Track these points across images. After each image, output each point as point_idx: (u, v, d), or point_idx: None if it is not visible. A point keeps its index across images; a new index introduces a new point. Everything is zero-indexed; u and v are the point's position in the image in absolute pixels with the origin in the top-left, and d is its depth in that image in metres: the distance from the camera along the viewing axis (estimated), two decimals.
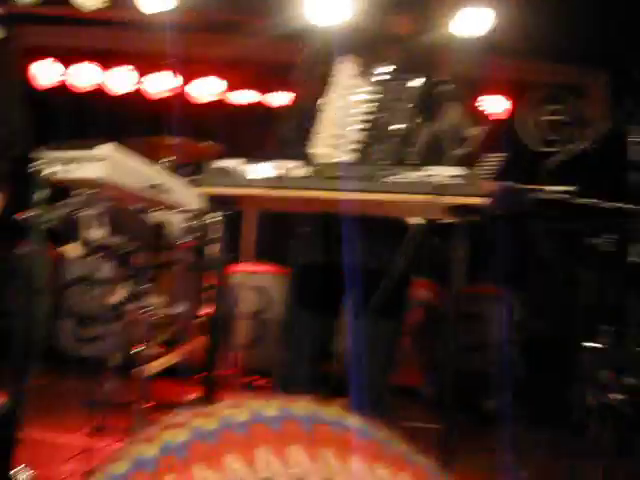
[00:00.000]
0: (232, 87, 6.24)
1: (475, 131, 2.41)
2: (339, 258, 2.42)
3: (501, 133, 2.46)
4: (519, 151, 5.45)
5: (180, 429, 0.40)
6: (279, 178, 1.85)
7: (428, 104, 2.39)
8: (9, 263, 5.50)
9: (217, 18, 5.64)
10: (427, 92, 2.39)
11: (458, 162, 2.37)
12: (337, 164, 1.95)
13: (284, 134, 2.48)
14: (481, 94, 5.42)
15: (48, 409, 3.80)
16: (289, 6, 5.09)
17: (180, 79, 5.90)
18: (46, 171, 2.17)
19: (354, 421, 0.41)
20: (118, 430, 3.27)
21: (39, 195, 2.22)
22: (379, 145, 2.35)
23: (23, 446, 2.34)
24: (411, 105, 2.37)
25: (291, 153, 2.30)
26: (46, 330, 5.45)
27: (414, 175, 1.85)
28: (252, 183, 1.87)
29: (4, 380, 3.05)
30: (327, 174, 1.90)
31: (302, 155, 2.25)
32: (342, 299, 2.56)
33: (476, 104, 2.46)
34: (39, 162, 2.20)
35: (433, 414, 4.75)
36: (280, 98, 6.17)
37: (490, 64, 4.88)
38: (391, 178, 1.86)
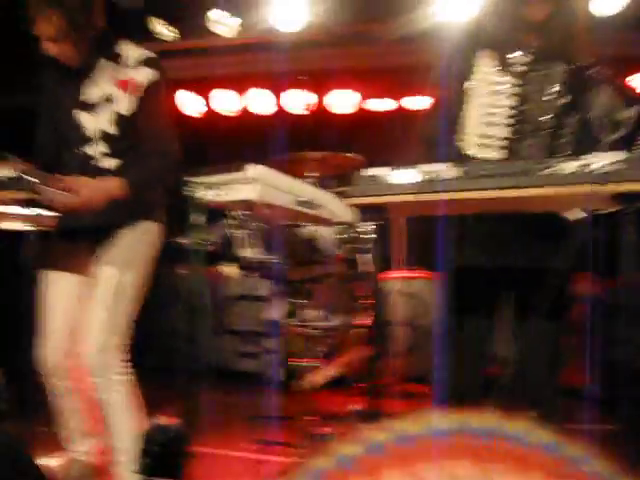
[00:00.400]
0: (369, 96, 6.26)
1: (628, 113, 2.28)
2: (496, 259, 2.35)
3: None
4: None
5: (352, 444, 0.40)
6: (429, 182, 1.82)
7: (574, 91, 2.29)
8: (172, 285, 5.78)
9: (347, 30, 5.67)
10: (572, 78, 2.29)
11: (613, 148, 2.25)
12: (488, 162, 1.88)
13: (429, 135, 2.44)
14: (630, 73, 5.14)
15: (214, 424, 3.93)
16: (416, 6, 5.04)
17: (317, 94, 6.00)
18: (201, 195, 2.25)
19: (541, 436, 0.38)
20: (283, 443, 3.34)
21: (195, 219, 2.31)
22: (528, 140, 2.27)
23: (193, 461, 2.43)
24: (556, 94, 2.28)
25: (437, 154, 2.27)
26: (208, 347, 5.67)
27: (572, 165, 1.76)
28: (402, 189, 1.84)
29: (174, 398, 3.19)
30: (479, 173, 1.84)
31: (449, 156, 2.21)
32: (501, 301, 2.48)
33: (627, 83, 2.32)
34: (194, 187, 2.28)
35: (602, 414, 4.53)
36: (417, 102, 6.12)
37: (629, 41, 4.63)
38: (547, 171, 1.78)
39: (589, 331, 5.03)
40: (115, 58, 2.83)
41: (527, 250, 2.36)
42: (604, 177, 1.76)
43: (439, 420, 0.35)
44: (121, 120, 2.81)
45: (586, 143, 2.23)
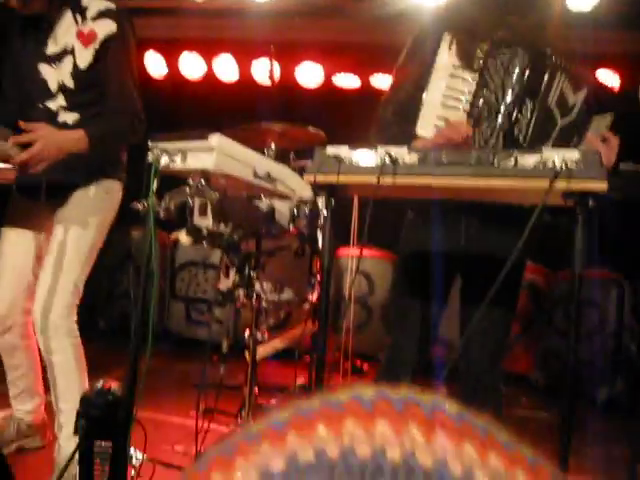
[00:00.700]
0: (337, 71, 6.22)
1: (580, 95, 2.30)
2: (450, 243, 2.38)
3: (622, 107, 2.33)
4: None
5: (285, 409, 0.41)
6: (390, 165, 1.82)
7: (533, 77, 2.30)
8: (126, 248, 5.73)
9: (320, 2, 5.62)
10: (532, 64, 2.29)
11: (565, 132, 2.28)
12: (449, 150, 1.89)
13: (385, 117, 2.44)
14: (594, 69, 5.20)
15: (158, 390, 3.93)
16: None
17: (283, 65, 5.93)
18: (159, 160, 2.22)
19: (452, 406, 0.40)
20: (227, 412, 3.35)
21: (151, 184, 2.28)
22: (485, 124, 2.28)
23: (136, 427, 2.43)
24: (515, 79, 2.29)
25: (391, 136, 2.27)
26: (157, 312, 5.65)
27: (532, 159, 1.78)
28: (363, 171, 1.84)
29: (120, 362, 3.18)
30: (436, 160, 1.85)
31: (402, 139, 2.21)
32: (451, 284, 2.52)
33: (581, 69, 2.34)
34: (151, 152, 2.26)
35: (544, 402, 4.65)
36: (385, 81, 6.10)
37: (599, 38, 4.68)
38: (505, 163, 1.80)
39: (534, 320, 5.13)
40: (80, 10, 2.77)
41: (481, 237, 2.38)
42: (562, 174, 1.78)
43: (364, 390, 0.37)
44: (79, 73, 2.77)
45: (542, 129, 2.26)
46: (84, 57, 2.75)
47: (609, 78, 5.59)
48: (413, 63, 2.42)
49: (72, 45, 2.76)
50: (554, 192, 1.79)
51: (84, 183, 2.83)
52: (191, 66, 6.45)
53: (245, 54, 6.20)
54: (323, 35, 5.95)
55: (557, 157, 1.79)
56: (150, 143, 2.30)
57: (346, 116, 5.54)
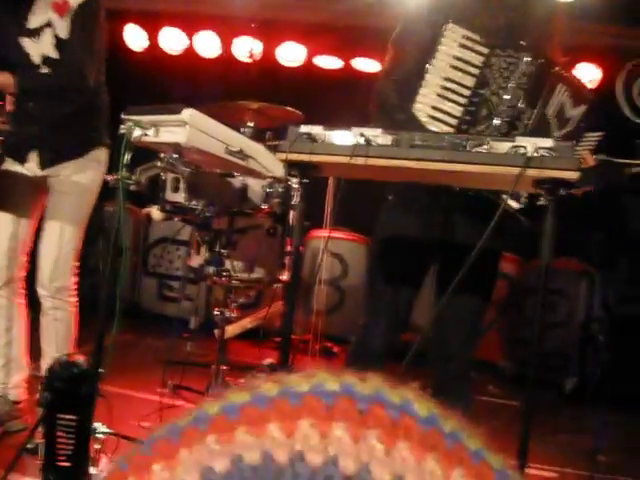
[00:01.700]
0: (318, 52, 6.18)
1: (577, 110, 2.31)
2: (425, 230, 2.38)
3: (598, 103, 2.35)
4: (616, 122, 5.24)
5: (244, 392, 0.40)
6: (363, 145, 1.81)
7: (535, 85, 2.30)
8: (98, 223, 5.67)
9: None
10: (536, 72, 2.29)
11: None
12: (424, 133, 1.89)
13: (386, 94, 2.42)
14: (575, 63, 5.22)
15: (127, 365, 3.91)
16: None
17: (265, 44, 5.89)
18: (131, 134, 2.20)
19: (421, 408, 0.38)
20: (194, 390, 3.35)
21: (122, 156, 2.26)
22: (482, 125, 2.27)
23: (102, 401, 2.42)
24: (517, 85, 2.29)
25: (397, 122, 2.25)
26: (128, 288, 5.61)
27: (504, 146, 1.78)
28: (333, 150, 1.84)
29: (89, 336, 3.16)
30: (410, 143, 1.85)
31: (403, 119, 2.21)
32: (426, 271, 2.52)
33: (582, 81, 2.35)
34: (125, 125, 2.23)
35: (512, 390, 4.69)
36: (366, 64, 6.08)
37: (582, 31, 4.69)
38: (478, 148, 1.80)
39: (504, 309, 5.17)
40: None
41: (459, 226, 2.39)
42: (533, 161, 1.79)
43: (327, 380, 0.35)
44: (60, 43, 2.85)
45: (537, 137, 2.26)
46: (62, 28, 2.84)
47: (590, 71, 5.61)
48: (411, 44, 2.39)
49: (50, 18, 2.85)
50: (525, 179, 1.79)
51: (76, 156, 2.96)
52: (172, 40, 6.38)
53: (227, 31, 6.13)
54: (307, 15, 5.90)
55: (530, 145, 1.80)
56: (123, 115, 2.28)
57: (326, 97, 5.52)
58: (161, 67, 6.28)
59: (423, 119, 2.25)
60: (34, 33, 2.87)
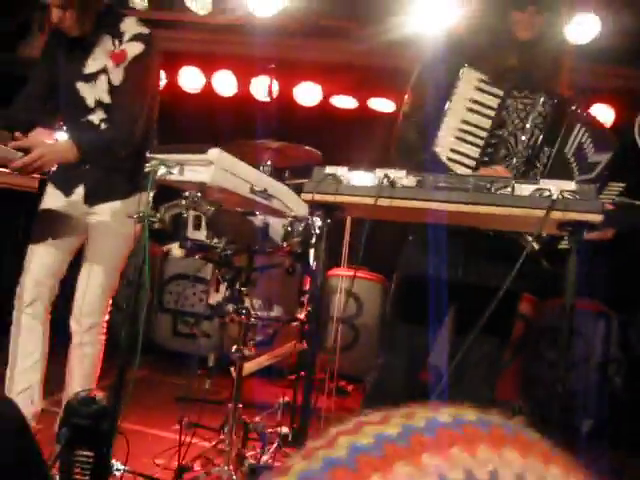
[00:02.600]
0: (335, 92, 6.25)
1: (600, 157, 2.32)
2: (446, 269, 2.38)
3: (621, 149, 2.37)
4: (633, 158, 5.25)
5: (359, 434, 0.42)
6: (386, 187, 1.83)
7: (553, 124, 2.32)
8: None
9: (321, 23, 5.66)
10: (552, 111, 2.32)
11: None
12: (448, 175, 1.90)
13: (406, 137, 2.45)
14: (589, 105, 5.25)
15: (142, 402, 3.90)
16: (394, 12, 5.06)
17: (281, 84, 5.96)
18: (156, 172, 2.23)
19: (499, 419, 0.43)
20: (209, 427, 3.33)
21: (147, 194, 2.29)
22: (502, 162, 2.29)
23: (116, 436, 2.41)
24: (534, 125, 2.31)
25: (419, 163, 2.28)
26: (145, 324, 5.61)
27: (528, 188, 1.80)
28: (361, 192, 1.86)
29: (106, 371, 3.17)
30: (434, 185, 1.86)
31: (424, 159, 2.24)
32: (445, 312, 2.52)
33: (604, 126, 2.38)
34: (150, 164, 2.27)
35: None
36: (382, 104, 6.14)
37: (595, 73, 4.73)
38: (502, 191, 1.81)
39: (521, 349, 5.14)
40: (118, 35, 3.02)
41: (479, 266, 2.39)
42: (556, 204, 1.79)
43: (436, 413, 0.38)
44: (113, 90, 3.02)
45: (557, 177, 2.27)
46: (116, 75, 3.00)
47: (603, 112, 5.65)
48: (429, 87, 2.43)
49: (106, 65, 3.02)
50: (549, 221, 1.80)
51: (121, 196, 3.10)
52: (190, 79, 6.47)
53: (244, 70, 6.22)
54: (323, 56, 5.98)
55: (554, 187, 1.81)
56: (148, 154, 2.32)
57: (342, 136, 5.57)
58: (179, 105, 6.37)
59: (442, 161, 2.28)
60: (90, 78, 3.04)
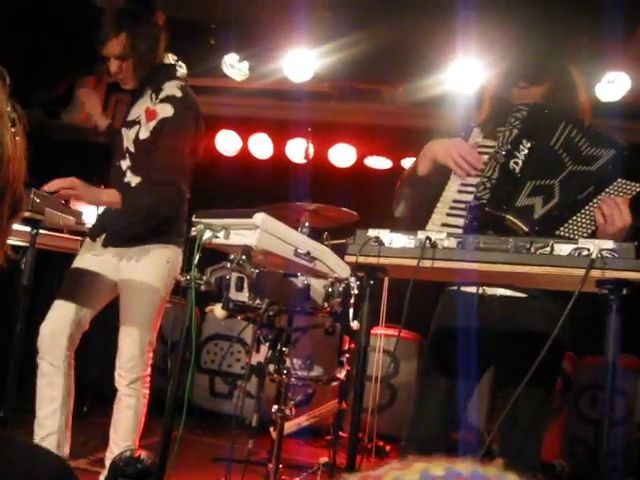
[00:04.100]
0: (369, 153, 6.35)
1: (605, 153, 2.30)
2: (483, 321, 2.39)
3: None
4: None
5: (408, 470, 0.45)
6: (428, 248, 1.88)
7: (531, 124, 2.35)
8: None
9: (355, 86, 5.79)
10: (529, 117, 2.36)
11: (579, 177, 2.29)
12: (489, 236, 1.95)
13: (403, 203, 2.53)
14: None
15: (179, 462, 3.90)
16: (426, 72, 5.17)
17: (316, 146, 6.08)
18: (201, 236, 2.30)
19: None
20: None
21: (194, 257, 2.35)
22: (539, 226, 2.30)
23: None
24: (515, 130, 2.35)
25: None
26: (184, 384, 5.61)
27: (567, 248, 1.83)
28: (403, 253, 1.90)
29: (146, 431, 3.20)
30: (474, 246, 1.91)
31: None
32: (484, 366, 2.51)
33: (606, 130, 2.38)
34: (195, 228, 2.34)
35: None
36: None
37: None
38: (542, 250, 1.85)
39: (561, 407, 5.07)
40: (157, 91, 3.17)
41: (517, 321, 2.40)
42: (596, 262, 1.83)
43: (485, 469, 0.40)
44: (138, 142, 3.16)
45: (541, 164, 2.30)
46: (145, 130, 3.15)
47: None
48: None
49: (141, 117, 3.18)
50: (589, 280, 1.83)
51: (140, 243, 3.16)
52: (227, 143, 6.63)
53: (280, 133, 6.36)
54: (357, 117, 6.10)
55: (592, 246, 1.84)
56: (194, 218, 2.39)
57: (378, 196, 5.62)
58: (216, 168, 6.52)
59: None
60: (130, 125, 3.22)
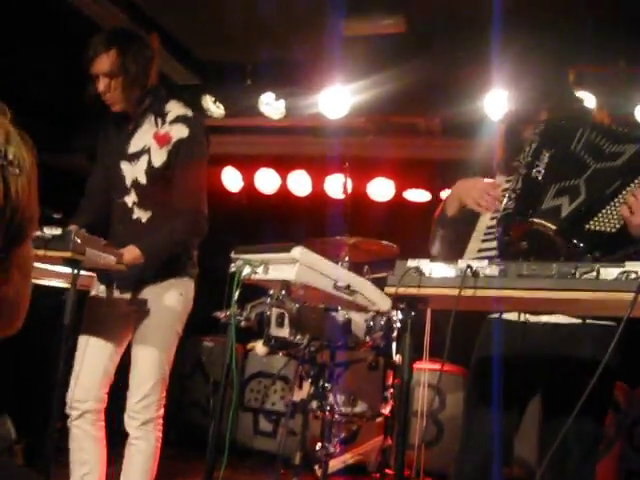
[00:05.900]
0: (407, 186, 6.33)
1: (629, 147, 2.26)
2: (529, 349, 2.33)
3: None
4: None
5: None
6: (471, 277, 1.85)
7: (551, 132, 2.34)
8: (195, 358, 5.79)
9: (391, 120, 5.80)
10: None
11: (605, 174, 2.24)
12: (531, 262, 1.91)
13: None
14: None
15: None
16: (459, 104, 5.16)
17: (355, 180, 6.09)
18: (241, 272, 2.30)
19: None
20: None
21: (233, 294, 2.35)
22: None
23: None
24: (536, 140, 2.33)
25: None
26: (223, 422, 5.59)
27: (613, 272, 1.78)
28: (444, 283, 1.87)
29: (189, 471, 3.17)
30: (517, 273, 1.87)
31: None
32: (531, 395, 2.45)
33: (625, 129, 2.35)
34: (235, 264, 2.34)
35: None
36: None
37: None
38: (587, 275, 1.80)
39: (615, 439, 4.92)
40: (162, 115, 3.02)
41: (564, 348, 2.34)
42: None
43: None
44: (152, 171, 2.98)
45: (563, 167, 2.28)
46: (158, 156, 2.98)
47: None
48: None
49: (149, 145, 3.00)
50: (638, 304, 1.77)
51: (155, 279, 3.01)
52: (266, 181, 6.67)
53: (318, 170, 6.39)
54: (394, 151, 6.10)
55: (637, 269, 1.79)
56: (233, 254, 2.40)
57: (417, 229, 5.59)
58: (256, 206, 6.57)
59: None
60: (133, 157, 3.04)
